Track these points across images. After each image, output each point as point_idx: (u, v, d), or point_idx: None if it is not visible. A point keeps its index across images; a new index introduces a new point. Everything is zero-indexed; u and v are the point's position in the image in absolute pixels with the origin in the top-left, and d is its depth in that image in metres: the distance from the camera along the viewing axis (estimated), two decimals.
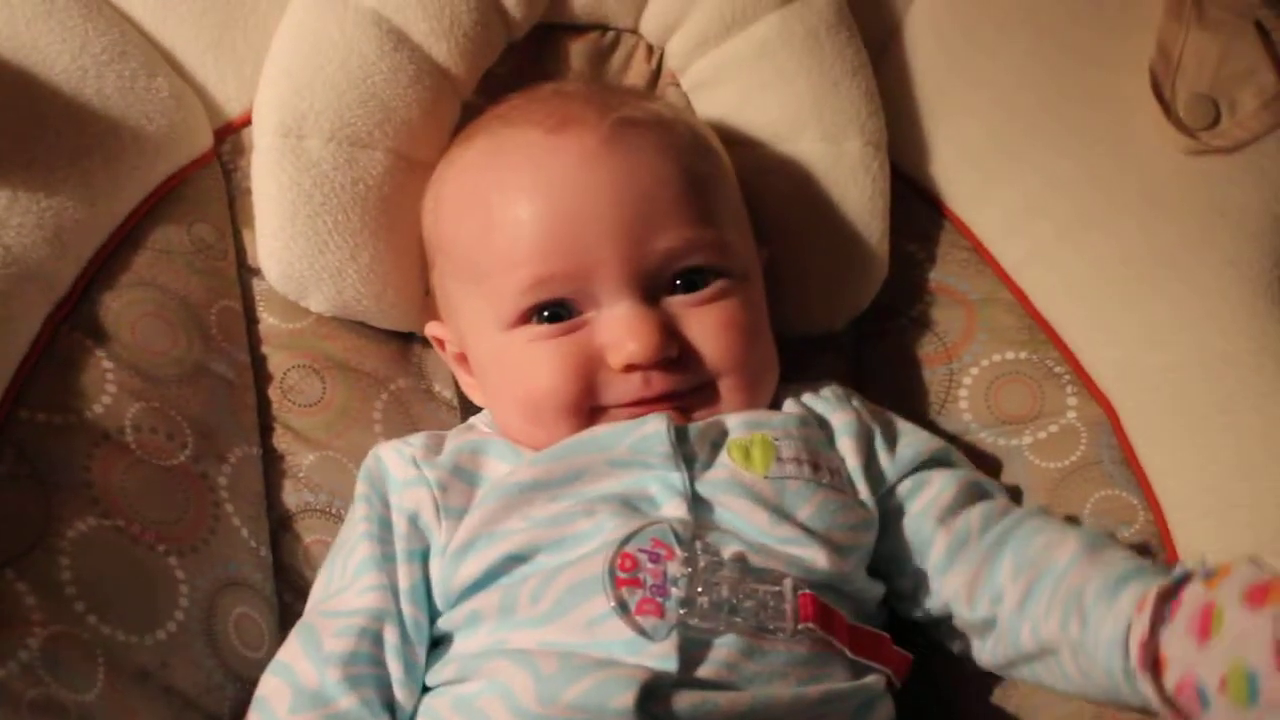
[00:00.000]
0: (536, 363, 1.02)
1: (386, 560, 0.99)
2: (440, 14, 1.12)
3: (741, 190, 1.13)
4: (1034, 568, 0.98)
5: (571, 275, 1.01)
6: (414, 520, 1.01)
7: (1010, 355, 1.16)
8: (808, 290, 1.19)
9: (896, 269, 1.20)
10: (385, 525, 1.01)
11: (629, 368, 1.00)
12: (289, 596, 1.08)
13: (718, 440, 1.01)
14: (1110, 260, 1.14)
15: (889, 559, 1.04)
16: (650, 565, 0.92)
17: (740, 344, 1.03)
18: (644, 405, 1.01)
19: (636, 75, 1.22)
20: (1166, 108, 1.14)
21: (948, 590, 1.02)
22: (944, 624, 1.05)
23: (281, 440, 1.12)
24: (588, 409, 1.02)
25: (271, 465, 1.11)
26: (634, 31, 1.22)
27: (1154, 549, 1.06)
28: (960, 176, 1.22)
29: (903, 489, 1.06)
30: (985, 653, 1.02)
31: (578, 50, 1.21)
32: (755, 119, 1.18)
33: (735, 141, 1.17)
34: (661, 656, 0.89)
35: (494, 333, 1.04)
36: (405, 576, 0.99)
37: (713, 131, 1.15)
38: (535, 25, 1.19)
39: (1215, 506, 1.04)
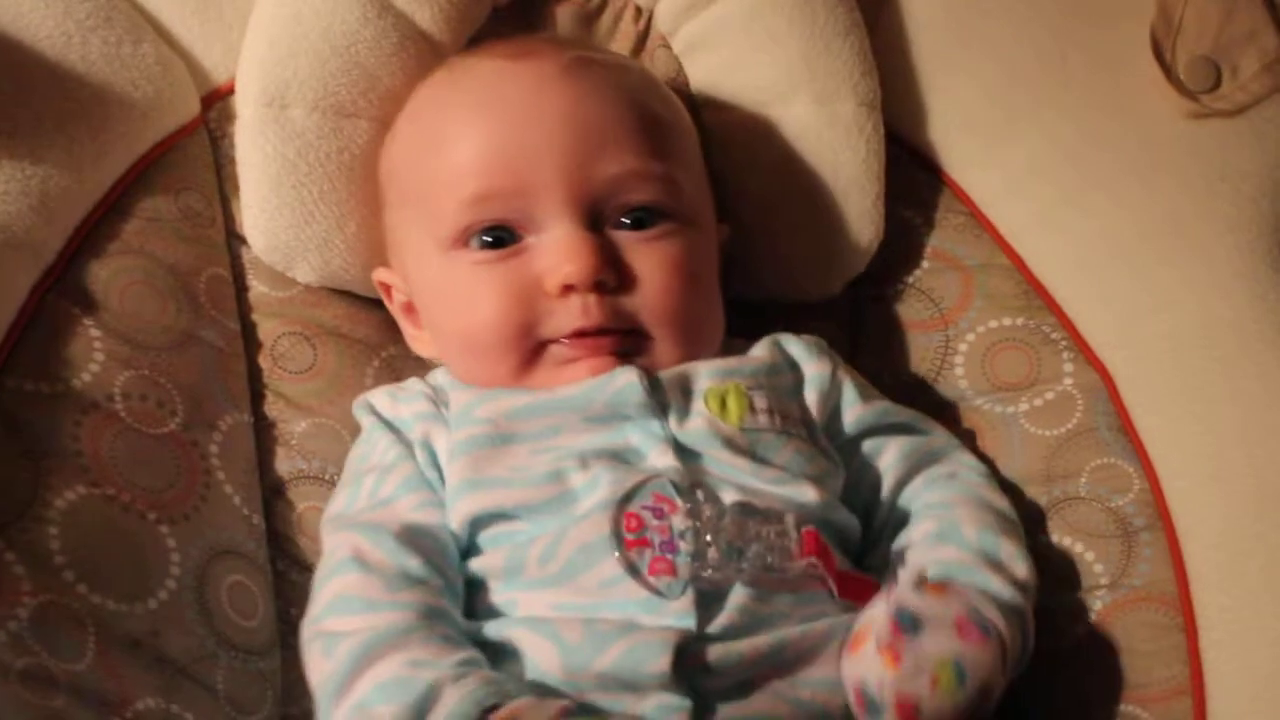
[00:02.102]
0: (476, 291, 1.01)
1: (427, 484, 0.99)
2: None
3: (733, 154, 1.13)
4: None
5: (514, 193, 1.00)
6: (431, 453, 1.00)
7: (1007, 321, 1.15)
8: (802, 254, 1.18)
9: (892, 235, 1.19)
10: (410, 448, 1.01)
11: (565, 289, 0.99)
12: (282, 564, 1.08)
13: (689, 388, 1.00)
14: (1110, 226, 1.13)
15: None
16: (655, 522, 0.91)
17: (680, 287, 1.02)
18: (584, 341, 1.00)
19: (625, 38, 1.21)
20: (1167, 70, 1.13)
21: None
22: None
23: (273, 408, 1.12)
24: (530, 344, 1.01)
25: (263, 433, 1.11)
26: None
27: (1150, 517, 1.05)
28: (958, 141, 1.21)
29: (865, 448, 1.06)
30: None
31: (564, 13, 1.20)
32: (747, 82, 1.17)
33: (727, 105, 1.16)
34: (680, 614, 0.89)
35: (434, 256, 1.04)
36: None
37: (680, 101, 1.13)
38: None
39: (1214, 474, 1.04)
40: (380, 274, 1.12)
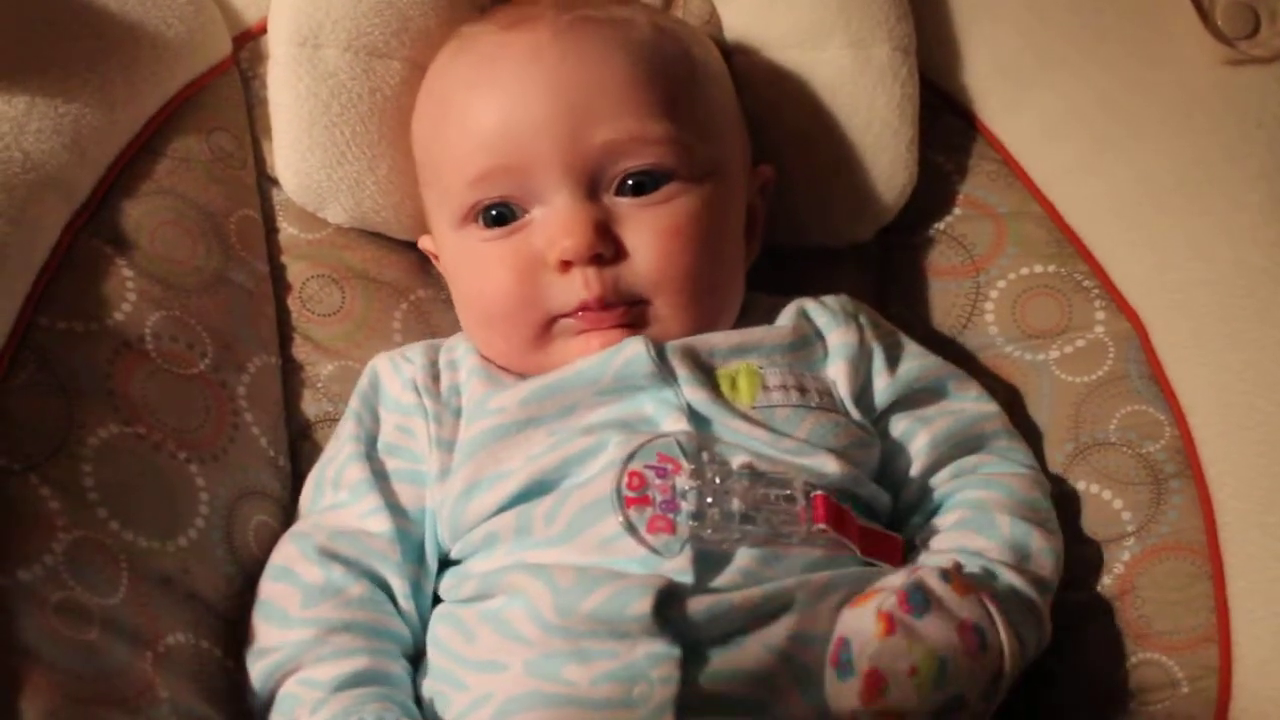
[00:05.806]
0: (485, 267, 1.02)
1: (380, 478, 1.01)
2: None
3: (767, 97, 1.11)
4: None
5: (511, 170, 1.00)
6: (410, 436, 1.02)
7: (1038, 269, 1.15)
8: (834, 199, 1.17)
9: (925, 181, 1.18)
10: (374, 443, 1.03)
11: (563, 265, 0.98)
12: None
13: (699, 359, 1.00)
14: (1143, 173, 1.12)
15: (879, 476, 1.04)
16: (658, 481, 0.91)
17: (682, 254, 1.00)
18: (590, 316, 1.00)
19: None
20: (1204, 16, 1.12)
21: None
22: None
23: (301, 350, 1.12)
24: (540, 318, 1.00)
25: (291, 375, 1.11)
26: None
27: (1180, 465, 1.05)
28: (992, 88, 1.20)
29: (898, 424, 1.05)
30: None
31: None
32: (781, 25, 1.15)
33: (761, 48, 1.15)
34: (677, 571, 0.90)
35: (449, 233, 1.05)
36: (405, 496, 1.01)
37: (709, 41, 1.13)
38: None
39: (1247, 421, 1.03)
40: (424, 242, 1.13)
